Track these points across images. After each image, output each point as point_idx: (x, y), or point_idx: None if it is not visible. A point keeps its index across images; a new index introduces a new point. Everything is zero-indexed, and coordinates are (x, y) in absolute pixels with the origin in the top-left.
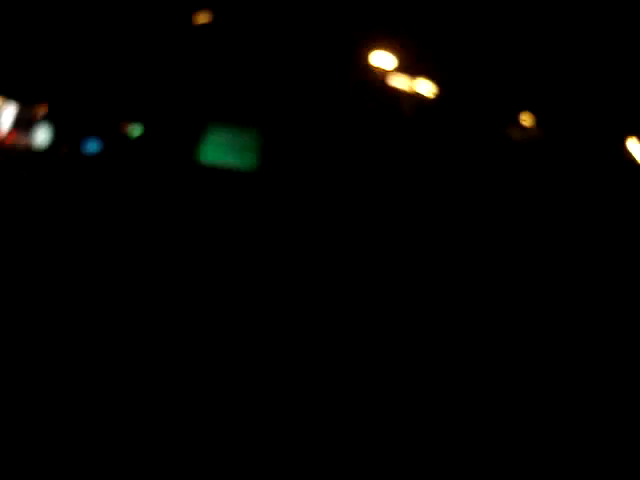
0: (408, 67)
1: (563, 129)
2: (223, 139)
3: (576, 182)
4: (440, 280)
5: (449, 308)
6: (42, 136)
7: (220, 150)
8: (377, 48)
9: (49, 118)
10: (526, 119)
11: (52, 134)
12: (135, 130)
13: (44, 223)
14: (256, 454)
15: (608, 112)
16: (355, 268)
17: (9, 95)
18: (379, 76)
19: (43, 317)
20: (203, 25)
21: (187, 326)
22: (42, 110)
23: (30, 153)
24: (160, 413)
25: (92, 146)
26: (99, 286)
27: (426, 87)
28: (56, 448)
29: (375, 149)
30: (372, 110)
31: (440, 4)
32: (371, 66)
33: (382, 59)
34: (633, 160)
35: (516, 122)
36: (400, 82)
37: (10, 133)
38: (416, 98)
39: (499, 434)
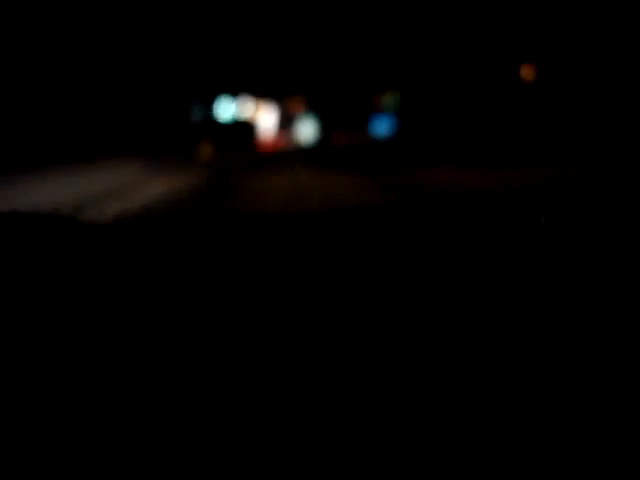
0: None
1: None
2: None
3: None
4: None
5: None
6: (308, 129)
7: None
8: None
9: (310, 110)
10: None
11: (317, 125)
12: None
13: None
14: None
15: None
16: None
17: (265, 94)
18: None
19: None
20: None
21: None
22: (299, 104)
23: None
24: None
25: (380, 126)
26: None
27: None
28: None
29: None
30: None
31: None
32: None
33: None
34: None
35: None
36: None
37: (279, 133)
38: None
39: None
